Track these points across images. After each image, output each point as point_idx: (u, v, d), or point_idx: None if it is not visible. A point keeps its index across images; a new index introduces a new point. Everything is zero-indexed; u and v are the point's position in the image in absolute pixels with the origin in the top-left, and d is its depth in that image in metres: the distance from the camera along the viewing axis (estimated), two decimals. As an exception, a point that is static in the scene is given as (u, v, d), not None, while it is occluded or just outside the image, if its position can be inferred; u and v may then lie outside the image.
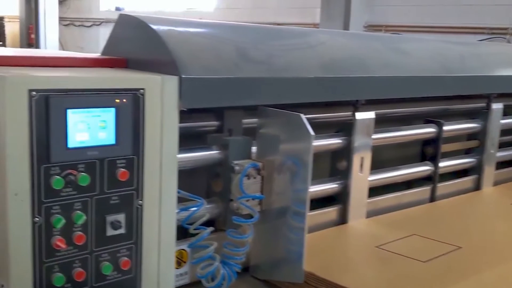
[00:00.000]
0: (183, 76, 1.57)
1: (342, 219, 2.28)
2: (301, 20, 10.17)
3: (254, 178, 1.81)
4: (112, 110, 1.45)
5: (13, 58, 1.58)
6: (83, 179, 1.41)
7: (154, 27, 1.68)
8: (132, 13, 1.79)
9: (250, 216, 1.80)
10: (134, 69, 1.71)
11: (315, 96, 1.93)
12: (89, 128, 1.41)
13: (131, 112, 1.48)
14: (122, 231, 1.51)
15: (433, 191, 2.75)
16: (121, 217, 1.51)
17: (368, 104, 2.27)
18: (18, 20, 15.80)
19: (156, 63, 1.66)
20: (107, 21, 15.28)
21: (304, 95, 1.89)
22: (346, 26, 8.42)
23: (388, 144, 2.54)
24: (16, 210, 1.33)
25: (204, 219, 1.74)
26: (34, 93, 1.31)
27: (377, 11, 9.52)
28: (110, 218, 1.49)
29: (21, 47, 14.99)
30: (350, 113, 2.24)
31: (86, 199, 1.44)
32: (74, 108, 1.37)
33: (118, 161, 1.48)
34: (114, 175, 1.48)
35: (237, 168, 1.79)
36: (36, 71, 1.47)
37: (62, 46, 15.61)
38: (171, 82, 1.56)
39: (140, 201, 1.55)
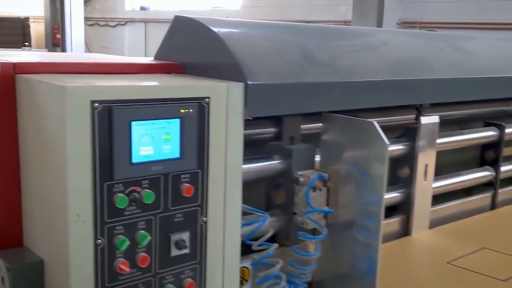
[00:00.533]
0: (249, 82, 1.45)
1: (405, 230, 2.14)
2: (330, 18, 9.97)
3: (320, 190, 1.68)
4: (177, 121, 1.33)
5: (64, 65, 1.47)
6: (148, 196, 1.30)
7: (215, 29, 1.56)
8: (189, 15, 1.67)
9: (316, 231, 1.67)
10: (192, 75, 1.60)
11: (383, 101, 1.80)
12: (153, 141, 1.30)
13: (196, 122, 1.37)
14: (186, 250, 1.39)
15: (494, 197, 2.59)
16: (185, 236, 1.40)
17: (432, 107, 2.13)
18: (43, 21, 15.87)
19: (217, 68, 1.54)
20: (132, 21, 15.25)
21: (372, 100, 1.76)
22: (379, 23, 8.20)
23: (448, 149, 2.39)
24: (77, 232, 1.22)
25: (269, 235, 1.62)
26: (96, 104, 1.20)
27: (411, 8, 9.26)
28: (175, 237, 1.38)
29: (46, 47, 15.07)
30: (413, 116, 2.10)
31: (150, 218, 1.33)
32: (139, 120, 1.26)
33: (182, 176, 1.37)
34: (178, 190, 1.37)
35: (302, 179, 1.66)
36: (94, 79, 1.36)
37: (87, 46, 15.64)
38: (237, 89, 1.44)
39: (205, 218, 1.43)
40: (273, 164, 1.72)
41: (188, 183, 1.38)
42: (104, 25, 16.43)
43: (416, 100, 1.96)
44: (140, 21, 14.82)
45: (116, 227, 1.28)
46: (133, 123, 1.25)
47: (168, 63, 1.64)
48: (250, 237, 1.61)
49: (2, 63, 1.35)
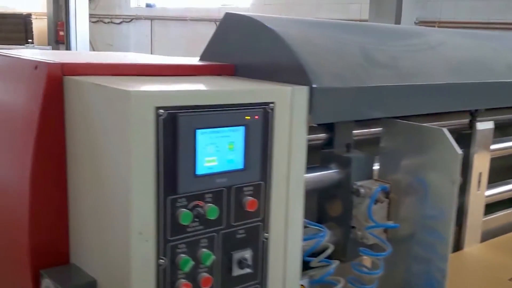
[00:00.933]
0: (314, 86, 1.33)
1: (457, 243, 2.02)
2: (343, 16, 9.79)
3: (381, 202, 1.56)
4: (241, 129, 1.21)
5: (114, 66, 1.34)
6: (212, 211, 1.18)
7: (274, 27, 1.44)
8: (241, 12, 1.55)
9: (376, 246, 1.55)
10: (244, 77, 1.48)
11: (446, 105, 1.68)
12: (218, 151, 1.18)
13: (260, 130, 1.25)
14: (249, 270, 1.28)
15: (540, 206, 2.47)
16: (248, 254, 1.28)
17: (485, 111, 2.01)
18: (45, 17, 15.72)
19: (276, 70, 1.42)
20: (138, 18, 15.08)
21: (436, 104, 1.64)
22: (397, 23, 8.02)
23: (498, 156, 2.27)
24: (139, 252, 1.10)
25: (329, 251, 1.50)
26: (161, 111, 1.08)
27: (429, 6, 9.09)
28: (237, 255, 1.26)
29: (49, 44, 14.92)
30: (466, 121, 1.99)
31: (213, 235, 1.21)
32: (203, 128, 1.14)
33: (245, 189, 1.25)
34: (241, 205, 1.25)
35: (362, 190, 1.54)
36: (153, 83, 1.24)
37: (91, 44, 15.47)
38: (301, 93, 1.33)
39: (266, 234, 1.32)
40: (329, 173, 1.60)
41: (251, 196, 1.26)
42: (108, 22, 16.26)
43: (478, 104, 1.83)
44: (146, 18, 14.65)
45: (178, 245, 1.16)
46: (198, 132, 1.14)
47: (220, 64, 1.52)
48: (309, 253, 1.49)
49: (49, 63, 1.24)
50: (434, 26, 8.69)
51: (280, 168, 1.32)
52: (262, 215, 1.30)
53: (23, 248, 1.28)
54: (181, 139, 1.11)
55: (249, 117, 1.22)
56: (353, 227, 1.58)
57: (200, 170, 1.15)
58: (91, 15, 14.90)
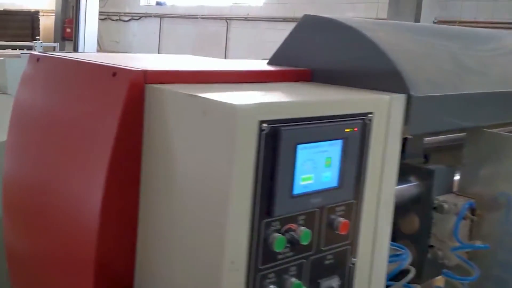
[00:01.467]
0: (412, 93, 1.20)
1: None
2: (358, 15, 9.58)
3: (466, 219, 1.43)
4: (339, 142, 1.08)
5: (199, 74, 1.20)
6: (305, 235, 1.05)
7: (363, 31, 1.30)
8: (323, 15, 1.42)
9: (459, 268, 1.42)
10: (324, 83, 1.34)
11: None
12: (314, 168, 1.05)
13: (358, 144, 1.12)
14: (336, 300, 1.15)
15: None
16: (335, 282, 1.15)
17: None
18: (53, 14, 15.63)
19: (365, 76, 1.28)
20: (147, 16, 14.90)
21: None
22: (416, 21, 7.87)
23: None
24: (230, 283, 0.97)
25: (411, 275, 1.36)
26: (264, 125, 0.96)
27: (449, 6, 8.92)
28: (324, 284, 1.13)
29: (55, 41, 14.84)
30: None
31: (301, 261, 1.08)
32: (304, 143, 1.01)
33: (337, 209, 1.12)
34: (332, 227, 1.12)
35: (446, 206, 1.41)
36: (244, 92, 1.11)
37: (98, 41, 15.31)
38: (398, 102, 1.20)
39: (354, 259, 1.19)
40: (408, 187, 1.46)
41: (343, 217, 1.13)
42: (116, 20, 16.08)
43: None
44: (155, 16, 14.48)
45: (268, 275, 1.03)
46: (299, 147, 1.00)
47: (297, 69, 1.38)
48: (390, 277, 1.35)
49: (130, 70, 1.10)
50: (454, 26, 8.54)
51: (373, 185, 1.19)
52: (351, 237, 1.17)
53: (87, 268, 1.14)
54: (282, 156, 0.98)
55: (348, 130, 1.09)
56: (431, 246, 1.45)
57: (297, 190, 1.02)
58: (100, 13, 14.75)
